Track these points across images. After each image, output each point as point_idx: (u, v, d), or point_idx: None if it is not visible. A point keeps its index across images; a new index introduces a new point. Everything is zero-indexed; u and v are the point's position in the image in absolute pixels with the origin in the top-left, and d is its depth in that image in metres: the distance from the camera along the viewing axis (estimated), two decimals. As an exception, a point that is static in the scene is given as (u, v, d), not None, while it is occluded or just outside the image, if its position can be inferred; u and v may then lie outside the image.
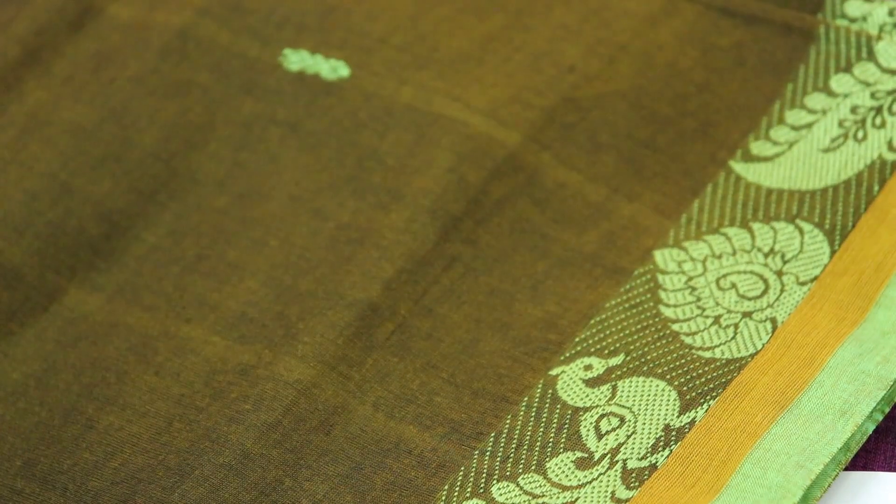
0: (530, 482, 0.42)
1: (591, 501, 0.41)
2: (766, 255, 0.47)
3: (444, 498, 0.42)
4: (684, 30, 0.54)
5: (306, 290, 0.48)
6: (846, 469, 0.42)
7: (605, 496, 0.40)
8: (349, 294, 0.46)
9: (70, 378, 0.46)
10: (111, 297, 0.48)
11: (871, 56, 0.51)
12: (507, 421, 0.44)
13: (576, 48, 0.54)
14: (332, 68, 0.54)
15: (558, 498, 0.41)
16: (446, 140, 0.51)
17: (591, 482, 0.41)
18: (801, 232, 0.47)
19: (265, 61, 0.54)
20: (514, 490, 0.41)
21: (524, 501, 0.41)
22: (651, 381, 0.43)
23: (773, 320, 0.44)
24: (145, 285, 0.49)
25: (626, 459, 0.41)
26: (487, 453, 0.43)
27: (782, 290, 0.45)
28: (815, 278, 0.45)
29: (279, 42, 0.55)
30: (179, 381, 0.45)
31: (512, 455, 0.43)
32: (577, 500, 0.41)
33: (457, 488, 0.42)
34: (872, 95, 0.50)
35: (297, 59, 0.54)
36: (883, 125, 0.49)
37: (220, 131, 0.53)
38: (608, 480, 0.41)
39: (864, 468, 0.43)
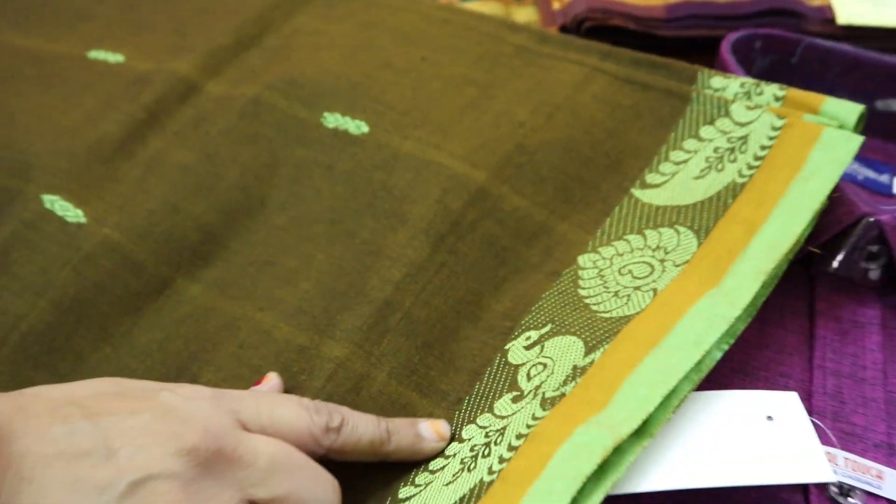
0: (484, 420, 0.45)
1: (518, 422, 0.44)
2: (653, 250, 0.51)
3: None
4: (599, 93, 0.59)
5: (341, 291, 0.51)
6: (701, 388, 0.44)
7: (528, 416, 0.44)
8: (371, 294, 0.50)
9: (181, 346, 0.50)
10: (207, 287, 0.52)
11: (728, 114, 0.56)
12: (476, 387, 0.47)
13: (525, 109, 0.58)
14: (357, 126, 0.58)
15: (498, 424, 0.44)
16: (435, 178, 0.54)
17: (520, 410, 0.45)
18: (678, 232, 0.51)
19: (311, 121, 0.58)
20: (474, 429, 0.45)
21: (479, 434, 0.45)
22: (567, 338, 0.47)
23: (655, 290, 0.48)
24: (231, 280, 0.53)
25: (545, 392, 0.45)
26: (463, 412, 0.46)
27: (663, 271, 0.49)
28: (686, 262, 0.49)
29: (320, 107, 0.59)
30: (258, 354, 0.49)
31: (477, 407, 0.46)
32: (510, 423, 0.44)
33: None
34: (728, 140, 0.55)
35: (332, 120, 0.58)
36: (735, 160, 0.54)
37: (280, 170, 0.57)
38: (531, 407, 0.44)
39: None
